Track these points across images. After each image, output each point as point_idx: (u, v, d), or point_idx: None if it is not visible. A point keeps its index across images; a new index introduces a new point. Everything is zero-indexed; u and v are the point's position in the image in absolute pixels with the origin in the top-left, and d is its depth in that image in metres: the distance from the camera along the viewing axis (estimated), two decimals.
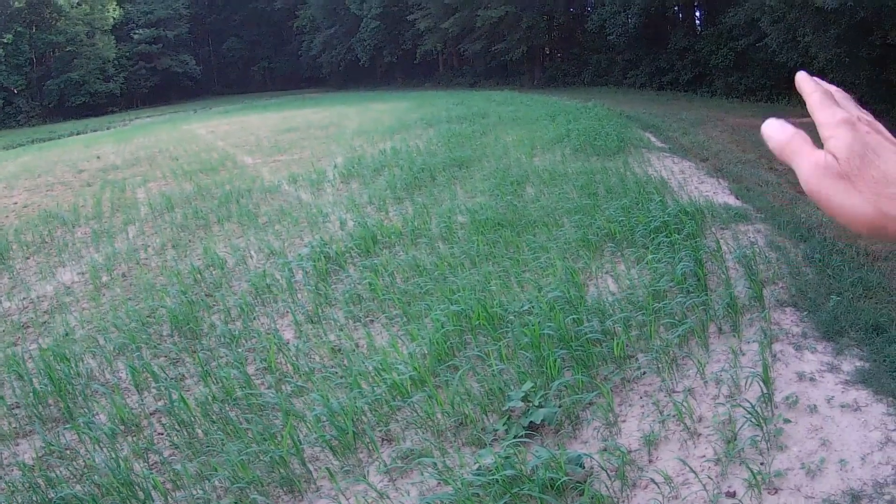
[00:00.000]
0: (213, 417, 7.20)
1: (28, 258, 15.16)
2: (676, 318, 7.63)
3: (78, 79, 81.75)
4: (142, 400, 7.97)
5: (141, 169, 26.55)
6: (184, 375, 8.36)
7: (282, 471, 6.07)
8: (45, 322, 11.08)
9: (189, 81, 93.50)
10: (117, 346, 9.37)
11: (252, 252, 12.70)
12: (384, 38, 72.91)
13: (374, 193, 15.84)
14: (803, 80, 0.99)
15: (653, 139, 20.78)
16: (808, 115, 0.93)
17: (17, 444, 7.56)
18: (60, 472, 6.74)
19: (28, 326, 11.04)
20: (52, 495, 6.28)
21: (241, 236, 14.00)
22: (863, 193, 0.84)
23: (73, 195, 22.38)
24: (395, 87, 72.31)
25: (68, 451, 7.14)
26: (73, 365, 8.88)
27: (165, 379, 8.15)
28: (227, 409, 7.31)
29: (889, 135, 0.89)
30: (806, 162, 0.90)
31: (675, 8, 46.43)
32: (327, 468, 6.09)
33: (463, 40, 61.10)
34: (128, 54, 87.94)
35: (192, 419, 7.19)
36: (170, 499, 6.11)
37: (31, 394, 8.30)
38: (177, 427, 7.16)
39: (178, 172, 23.72)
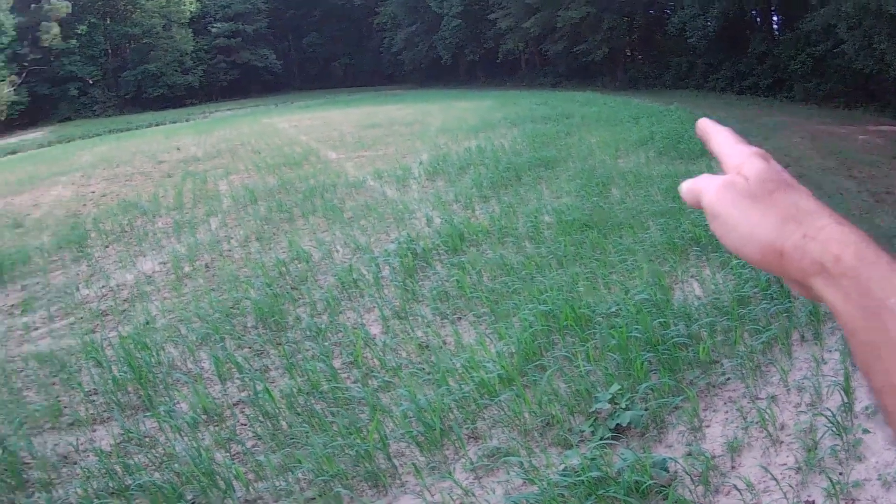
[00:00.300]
0: (298, 410, 7.32)
1: (107, 247, 15.59)
2: (760, 324, 7.59)
3: (155, 71, 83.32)
4: (225, 390, 8.14)
5: (222, 161, 27.18)
6: (268, 367, 8.51)
7: (367, 465, 6.16)
8: (124, 310, 11.37)
9: (269, 76, 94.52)
10: (200, 337, 9.59)
11: (338, 246, 12.89)
12: (466, 36, 72.90)
13: (461, 191, 15.94)
14: (707, 122, 1.03)
15: None
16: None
17: (94, 431, 7.75)
18: (139, 459, 6.89)
19: (107, 314, 11.35)
20: (130, 482, 6.42)
21: (326, 230, 14.20)
22: (768, 215, 0.85)
23: (153, 185, 22.95)
24: (477, 86, 72.14)
25: (147, 439, 7.30)
26: (153, 353, 9.11)
27: (250, 370, 8.32)
28: (313, 401, 7.42)
29: (797, 182, 0.90)
30: (712, 183, 0.92)
31: (753, 12, 46.02)
32: (413, 464, 6.16)
33: (544, 40, 60.97)
34: (206, 47, 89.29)
35: (277, 411, 7.32)
36: (251, 489, 6.22)
37: (109, 381, 8.53)
38: (260, 418, 7.29)
39: (261, 166, 24.20)
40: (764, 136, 23.32)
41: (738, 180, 0.88)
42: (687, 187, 0.96)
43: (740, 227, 0.86)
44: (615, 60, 58.16)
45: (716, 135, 0.99)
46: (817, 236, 0.80)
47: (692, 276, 9.40)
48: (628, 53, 60.65)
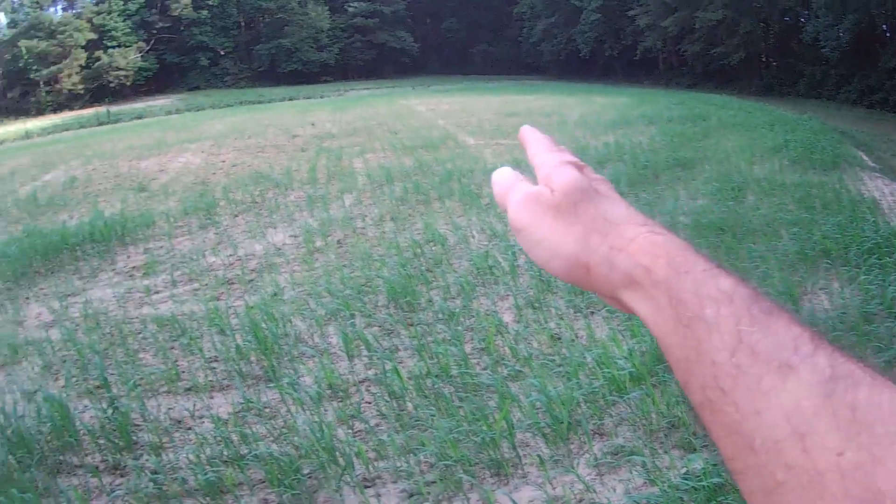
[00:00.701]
0: (426, 392, 7.40)
1: (236, 216, 16.00)
2: (884, 342, 7.46)
3: (289, 46, 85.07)
4: (352, 367, 8.25)
5: (358, 139, 27.73)
6: (397, 347, 8.61)
7: (491, 452, 6.21)
8: (251, 280, 11.65)
9: (406, 58, 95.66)
10: (329, 312, 9.75)
11: (474, 232, 12.95)
12: (604, 31, 74.42)
13: None
14: (528, 129, 1.01)
15: (865, 158, 20.68)
16: None
17: (212, 398, 7.90)
18: (257, 429, 7.03)
19: (233, 283, 11.65)
20: (245, 451, 6.59)
21: (462, 215, 14.28)
22: (573, 227, 0.82)
23: (286, 159, 23.50)
24: (614, 82, 72.00)
25: (268, 410, 7.44)
26: (280, 325, 9.28)
27: (379, 349, 8.45)
28: (441, 384, 7.48)
29: (613, 191, 0.87)
30: (517, 193, 0.89)
31: (884, 27, 45.71)
32: (538, 455, 6.17)
33: (682, 41, 62.51)
34: (342, 26, 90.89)
35: (404, 391, 7.40)
36: (371, 468, 6.30)
37: (232, 349, 8.73)
38: (386, 398, 7.39)
39: (398, 146, 24.63)
40: (892, 152, 23.61)
41: (544, 192, 0.86)
42: (497, 192, 0.95)
43: (544, 242, 0.84)
44: (751, 65, 59.10)
45: (531, 143, 0.98)
46: (626, 248, 0.78)
47: (821, 289, 9.34)
48: (763, 59, 61.34)
